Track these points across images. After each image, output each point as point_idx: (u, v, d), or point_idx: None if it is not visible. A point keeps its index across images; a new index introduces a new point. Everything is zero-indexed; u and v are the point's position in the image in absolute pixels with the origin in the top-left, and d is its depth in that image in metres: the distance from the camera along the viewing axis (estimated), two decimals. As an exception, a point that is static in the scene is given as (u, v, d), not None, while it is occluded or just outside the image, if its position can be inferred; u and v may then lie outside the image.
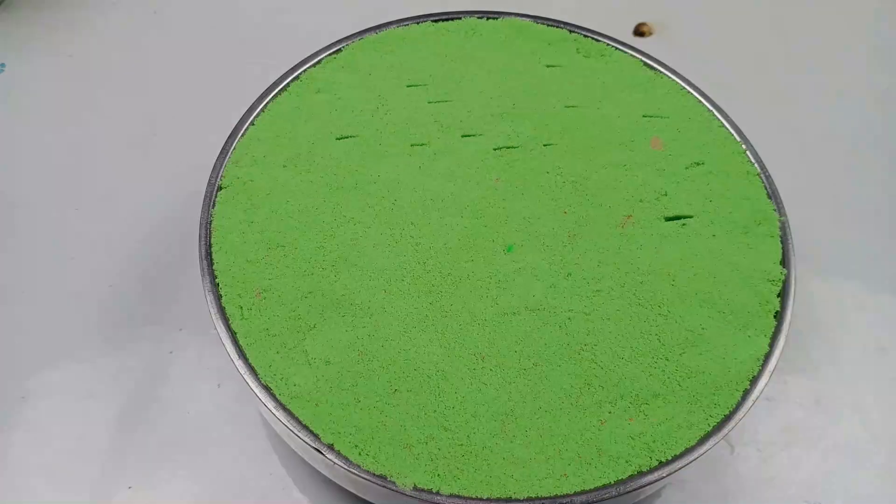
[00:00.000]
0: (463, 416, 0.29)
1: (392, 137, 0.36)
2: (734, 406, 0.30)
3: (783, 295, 0.32)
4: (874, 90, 0.52)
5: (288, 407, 0.29)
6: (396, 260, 0.32)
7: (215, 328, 0.31)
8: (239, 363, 0.30)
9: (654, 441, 0.29)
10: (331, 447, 0.28)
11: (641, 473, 0.28)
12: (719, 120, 0.37)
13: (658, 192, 0.35)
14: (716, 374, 0.30)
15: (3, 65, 0.50)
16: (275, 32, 0.52)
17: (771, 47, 0.54)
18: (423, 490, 0.28)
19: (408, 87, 0.38)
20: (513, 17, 0.41)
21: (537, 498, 0.28)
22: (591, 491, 0.28)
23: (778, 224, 0.34)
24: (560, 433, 0.29)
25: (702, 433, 0.29)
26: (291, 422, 0.29)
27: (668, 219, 0.34)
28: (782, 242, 0.34)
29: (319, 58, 0.39)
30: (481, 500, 0.27)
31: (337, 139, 0.36)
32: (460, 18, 0.41)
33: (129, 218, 0.43)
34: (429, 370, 0.30)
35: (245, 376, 0.29)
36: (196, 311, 0.40)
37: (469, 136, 0.36)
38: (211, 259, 0.32)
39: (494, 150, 0.36)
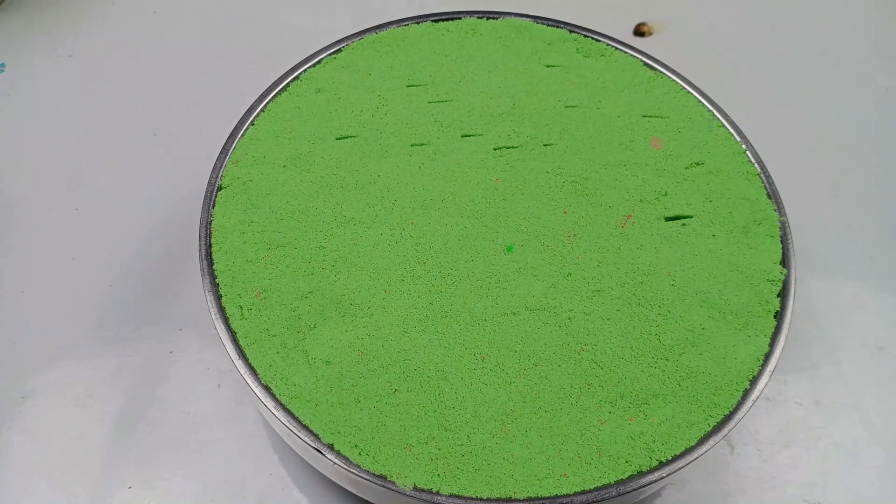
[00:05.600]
0: (463, 416, 0.29)
1: (392, 137, 0.36)
2: (734, 406, 0.30)
3: (783, 295, 0.32)
4: (874, 90, 0.52)
5: (288, 407, 0.29)
6: (396, 260, 0.32)
7: (215, 328, 0.31)
8: (239, 363, 0.30)
9: (654, 441, 0.29)
10: (331, 447, 0.28)
11: (641, 473, 0.28)
12: (719, 120, 0.37)
13: (658, 192, 0.35)
14: (716, 374, 0.30)
15: (3, 65, 0.50)
16: (275, 32, 0.52)
17: (771, 47, 0.54)
18: (423, 490, 0.28)
19: (408, 87, 0.38)
20: (513, 17, 0.41)
21: (537, 498, 0.28)
22: (591, 491, 0.28)
23: (778, 224, 0.34)
24: (560, 433, 0.29)
25: (702, 433, 0.29)
26: (291, 422, 0.29)
27: (668, 219, 0.34)
28: (782, 242, 0.34)
29: (319, 58, 0.39)
30: (481, 500, 0.28)
31: (337, 139, 0.36)
32: (460, 18, 0.41)
33: (129, 218, 0.43)
34: (429, 370, 0.30)
35: (245, 376, 0.29)
36: (196, 311, 0.40)
37: (469, 136, 0.36)
38: (211, 259, 0.32)
39: (494, 150, 0.36)
